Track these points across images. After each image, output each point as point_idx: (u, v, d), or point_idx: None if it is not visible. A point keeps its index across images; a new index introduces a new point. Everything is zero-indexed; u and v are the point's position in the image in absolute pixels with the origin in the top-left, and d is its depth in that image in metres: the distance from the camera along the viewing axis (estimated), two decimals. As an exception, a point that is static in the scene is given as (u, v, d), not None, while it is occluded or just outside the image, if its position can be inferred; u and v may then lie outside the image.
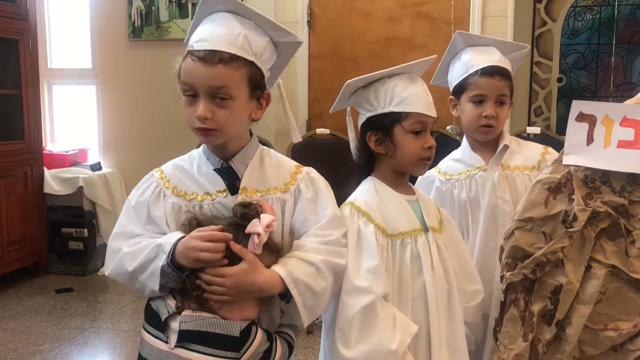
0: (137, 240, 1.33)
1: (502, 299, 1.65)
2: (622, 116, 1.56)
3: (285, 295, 1.29)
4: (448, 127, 4.40)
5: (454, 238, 1.63)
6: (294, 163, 1.46)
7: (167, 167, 1.43)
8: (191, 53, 1.29)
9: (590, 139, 1.59)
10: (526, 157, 1.90)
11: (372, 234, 1.45)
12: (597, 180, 1.59)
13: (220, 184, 1.36)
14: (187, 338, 1.21)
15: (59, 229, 4.54)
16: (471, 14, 4.13)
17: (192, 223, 1.29)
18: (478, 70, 1.83)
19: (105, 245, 4.63)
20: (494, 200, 1.83)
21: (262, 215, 1.25)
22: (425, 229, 1.52)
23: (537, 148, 1.93)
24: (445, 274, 1.52)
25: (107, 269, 1.37)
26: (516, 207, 1.79)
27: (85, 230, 4.50)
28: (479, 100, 1.83)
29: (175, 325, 1.22)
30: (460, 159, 1.92)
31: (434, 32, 4.19)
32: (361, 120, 1.58)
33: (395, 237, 1.48)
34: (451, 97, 1.91)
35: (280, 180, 1.39)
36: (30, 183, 4.34)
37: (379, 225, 1.47)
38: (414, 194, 1.60)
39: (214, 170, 1.37)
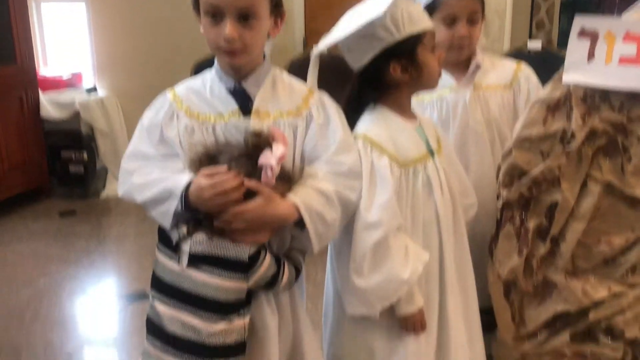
0: (148, 170, 1.34)
1: (498, 217, 1.68)
2: (625, 31, 1.53)
3: (298, 223, 1.31)
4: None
5: (450, 155, 1.63)
6: (306, 87, 1.45)
7: (180, 88, 1.42)
8: None
9: (591, 56, 1.56)
10: (498, 75, 1.86)
11: (386, 167, 1.44)
12: (596, 97, 1.58)
13: (233, 105, 1.36)
14: (198, 260, 1.25)
15: (58, 153, 4.54)
16: None
17: (203, 160, 1.29)
18: None
19: (105, 168, 4.67)
20: (465, 121, 1.81)
21: (274, 146, 1.24)
22: (432, 154, 1.53)
23: (510, 65, 1.89)
24: (451, 196, 1.54)
25: (120, 190, 1.39)
26: (488, 127, 1.79)
27: (85, 154, 4.51)
28: (451, 20, 1.77)
29: (186, 247, 1.26)
30: None
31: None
32: (371, 53, 1.47)
33: (408, 166, 1.48)
34: None
35: (293, 104, 1.38)
36: (26, 107, 4.30)
37: (392, 155, 1.46)
38: (416, 118, 1.58)
39: (227, 91, 1.37)
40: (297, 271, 1.38)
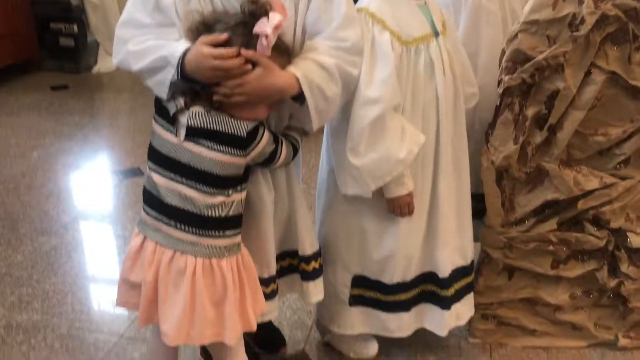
0: (143, 38, 1.28)
1: (498, 103, 1.66)
2: None
3: (298, 97, 1.28)
4: None
5: (455, 41, 1.58)
6: None
7: None
8: None
9: None
10: None
11: (387, 43, 1.40)
12: (611, -20, 1.50)
13: None
14: (195, 133, 1.23)
15: (47, 24, 4.39)
16: None
17: (200, 28, 1.23)
18: None
19: (96, 42, 4.54)
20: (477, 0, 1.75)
21: (270, 14, 1.19)
22: (436, 34, 1.47)
23: None
24: (453, 79, 1.51)
25: (115, 59, 1.35)
26: (501, 7, 1.74)
27: (75, 26, 4.36)
28: None
29: (183, 120, 1.24)
30: None
31: None
32: None
33: (410, 44, 1.44)
34: None
35: None
36: (10, -27, 4.10)
37: (394, 32, 1.41)
38: None
39: None
40: (295, 150, 1.37)
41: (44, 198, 2.71)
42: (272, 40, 1.19)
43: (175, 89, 1.26)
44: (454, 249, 1.60)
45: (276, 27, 1.18)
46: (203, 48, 1.19)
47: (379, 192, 1.48)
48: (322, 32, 1.30)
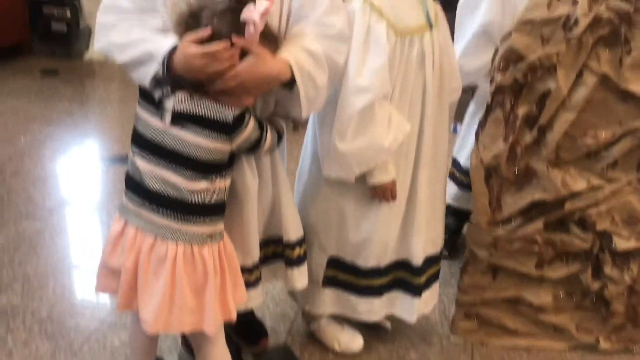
0: (127, 27, 1.26)
1: (489, 101, 1.66)
2: None
3: (287, 83, 1.27)
4: None
5: (445, 34, 1.59)
6: None
7: None
8: None
9: (608, -64, 1.47)
10: None
11: (383, 33, 1.40)
12: (606, -17, 1.51)
13: None
14: (181, 118, 1.21)
15: (39, 8, 4.34)
16: None
17: (188, 20, 1.21)
18: None
19: (89, 27, 4.49)
20: None
21: (257, 1, 1.17)
22: (430, 25, 1.48)
23: None
24: (441, 72, 1.51)
25: (97, 44, 1.32)
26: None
27: (68, 11, 4.32)
28: None
29: (169, 104, 1.22)
30: None
31: None
32: None
33: (404, 35, 1.44)
34: None
35: None
36: (3, -45, 4.05)
37: (390, 21, 1.41)
38: None
39: None
40: (279, 136, 1.37)
41: (30, 183, 2.68)
42: (260, 27, 1.17)
43: (159, 80, 1.23)
44: (428, 238, 1.62)
45: (263, 14, 1.17)
46: (190, 47, 1.17)
47: (361, 177, 1.49)
48: (308, 17, 1.29)
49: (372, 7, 1.41)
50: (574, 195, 1.66)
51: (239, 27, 1.18)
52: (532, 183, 1.68)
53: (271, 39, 1.25)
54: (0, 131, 3.21)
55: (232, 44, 1.17)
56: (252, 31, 1.17)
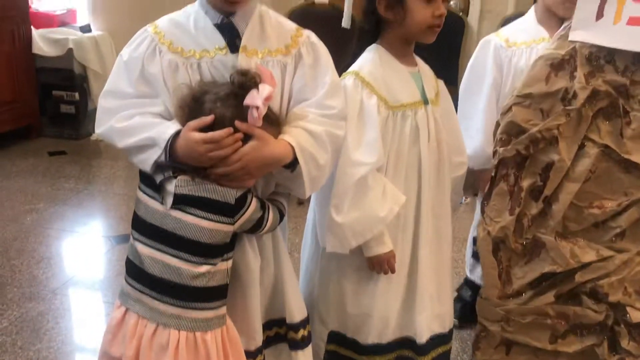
0: (128, 113, 1.28)
1: (493, 174, 1.67)
2: (637, -9, 1.49)
3: (290, 164, 1.28)
4: (452, 2, 4.24)
5: (448, 110, 1.62)
6: (294, 25, 1.40)
7: (162, 22, 1.35)
8: None
9: (600, 14, 1.53)
10: None
11: (374, 106, 1.44)
12: (601, 58, 1.55)
13: (219, 41, 1.30)
14: (183, 201, 1.22)
15: (49, 91, 4.46)
16: None
17: (190, 105, 1.23)
18: None
19: (96, 109, 4.59)
20: None
21: (260, 86, 1.20)
22: (425, 102, 1.51)
23: None
24: (438, 146, 1.54)
25: (97, 128, 1.34)
26: None
27: (77, 94, 4.43)
28: None
29: (170, 187, 1.22)
30: (525, 29, 1.91)
31: None
32: None
33: (397, 109, 1.48)
34: None
35: (281, 42, 1.34)
36: (17, 42, 4.19)
37: (382, 96, 1.46)
38: (416, 65, 1.56)
39: (214, 25, 1.30)
40: (281, 215, 1.37)
41: (34, 262, 2.67)
42: (263, 111, 1.19)
43: (161, 166, 1.25)
44: (433, 315, 1.58)
45: (266, 99, 1.19)
46: (193, 134, 1.19)
47: (359, 250, 1.48)
48: (309, 99, 1.32)
49: (363, 83, 1.46)
50: (584, 266, 1.64)
51: (242, 112, 1.20)
52: (541, 255, 1.66)
53: (273, 121, 1.27)
54: (7, 210, 3.22)
55: (235, 129, 1.19)
56: (256, 116, 1.18)
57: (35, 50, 4.30)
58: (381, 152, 1.44)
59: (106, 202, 3.49)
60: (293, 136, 1.27)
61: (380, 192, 1.45)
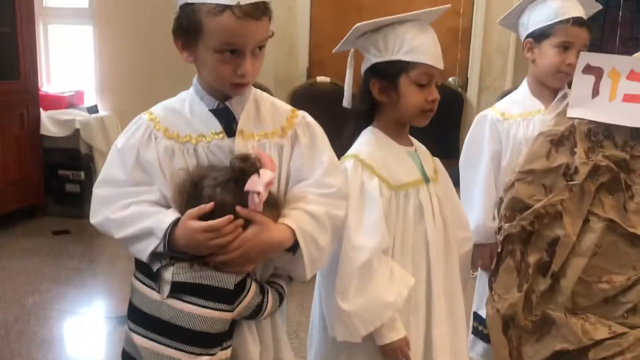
0: (124, 203, 1.26)
1: (499, 250, 1.66)
2: (630, 69, 1.55)
3: (291, 248, 1.27)
4: (450, 79, 4.35)
5: (447, 187, 1.63)
6: (289, 107, 1.41)
7: (157, 108, 1.35)
8: (232, 9, 1.20)
9: (595, 92, 1.57)
10: None
11: (376, 188, 1.44)
12: (600, 134, 1.58)
13: (215, 126, 1.30)
14: (180, 289, 1.19)
15: (55, 171, 4.51)
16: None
17: (190, 191, 1.21)
18: (570, 18, 1.82)
19: (102, 188, 4.63)
20: None
21: (261, 172, 1.19)
22: (426, 180, 1.52)
23: None
24: (443, 223, 1.53)
25: (93, 218, 1.30)
26: None
27: (82, 173, 4.48)
28: (565, 48, 1.83)
29: (167, 275, 1.20)
30: (520, 102, 1.93)
31: (440, -20, 4.08)
32: (366, 65, 1.54)
33: (399, 189, 1.48)
34: (529, 39, 1.90)
35: (277, 125, 1.35)
36: (26, 124, 4.29)
37: (383, 177, 1.46)
38: (412, 145, 1.59)
39: (210, 110, 1.31)
40: (281, 298, 1.33)
41: (34, 346, 2.61)
42: (264, 196, 1.19)
43: (159, 254, 1.22)
44: None
45: (267, 184, 1.19)
46: (192, 223, 1.18)
47: (370, 338, 1.42)
48: (307, 179, 1.32)
49: (364, 165, 1.45)
50: (597, 343, 1.60)
51: (243, 197, 1.19)
52: (551, 332, 1.63)
53: (273, 204, 1.26)
54: (9, 291, 3.19)
55: (235, 215, 1.18)
56: (257, 201, 1.18)
57: (43, 131, 4.39)
58: (385, 234, 1.42)
59: (109, 282, 3.46)
60: (293, 219, 1.26)
61: (387, 276, 1.41)
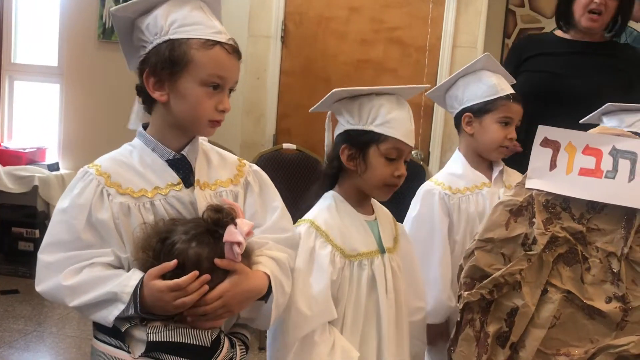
0: (76, 267, 1.19)
1: (458, 319, 1.65)
2: (585, 145, 1.59)
3: (263, 295, 1.26)
4: (413, 152, 4.45)
5: (407, 254, 1.63)
6: (235, 156, 1.44)
7: (104, 161, 1.30)
8: (222, 45, 1.26)
9: (553, 165, 1.61)
10: (518, 178, 1.94)
11: (327, 256, 1.42)
12: (557, 205, 1.61)
13: (172, 177, 1.28)
14: (156, 348, 1.14)
15: (8, 228, 4.37)
16: (442, 42, 4.20)
17: (157, 249, 1.17)
18: (509, 95, 1.91)
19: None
20: None
21: (238, 221, 1.18)
22: (382, 251, 1.51)
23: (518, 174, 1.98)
24: (396, 295, 1.52)
25: (39, 285, 1.22)
26: None
27: (37, 231, 4.35)
28: (506, 123, 1.90)
29: (139, 334, 1.14)
30: (462, 175, 1.94)
31: (405, 57, 4.22)
32: (339, 130, 1.55)
33: (353, 259, 1.47)
34: (468, 114, 1.94)
35: (230, 173, 1.37)
36: (-18, 179, 4.18)
37: (337, 245, 1.45)
38: (373, 213, 1.59)
39: (165, 161, 1.29)
40: (247, 347, 1.31)
41: (-33, 412, 2.44)
42: (244, 246, 1.18)
43: (128, 317, 1.17)
44: None
45: (248, 234, 1.18)
46: (155, 283, 1.13)
47: None
48: (261, 225, 1.33)
49: (318, 231, 1.44)
50: (556, 418, 1.58)
51: (218, 249, 1.17)
52: (511, 405, 1.60)
53: (248, 253, 1.25)
54: (-55, 354, 3.00)
55: (212, 268, 1.16)
56: (238, 252, 1.16)
57: (-1, 186, 4.28)
58: (330, 306, 1.39)
59: (55, 345, 3.30)
60: (266, 266, 1.25)
61: (328, 349, 1.37)
